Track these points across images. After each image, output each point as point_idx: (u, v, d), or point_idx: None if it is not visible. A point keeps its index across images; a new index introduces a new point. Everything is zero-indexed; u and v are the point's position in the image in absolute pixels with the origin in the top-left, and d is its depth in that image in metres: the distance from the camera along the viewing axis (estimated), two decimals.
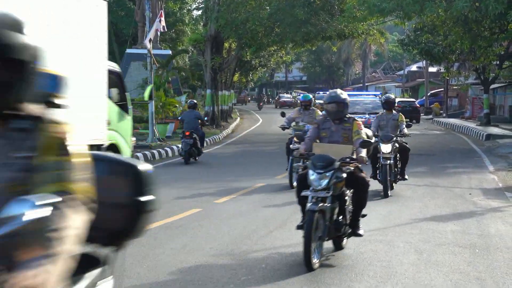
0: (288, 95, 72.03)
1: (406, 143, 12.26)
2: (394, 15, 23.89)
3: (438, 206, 10.53)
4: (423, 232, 8.47)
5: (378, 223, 9.00)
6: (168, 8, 47.06)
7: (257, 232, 8.29)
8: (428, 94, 55.31)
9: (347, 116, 7.28)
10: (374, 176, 11.54)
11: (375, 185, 12.94)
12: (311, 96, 14.05)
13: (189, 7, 51.66)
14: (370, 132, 8.31)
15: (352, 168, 6.93)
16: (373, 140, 8.18)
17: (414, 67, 72.26)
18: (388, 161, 11.38)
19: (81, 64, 9.72)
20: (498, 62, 33.12)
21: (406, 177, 12.22)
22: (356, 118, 7.34)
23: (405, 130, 11.85)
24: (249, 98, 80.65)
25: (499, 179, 14.29)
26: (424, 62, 51.93)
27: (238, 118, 42.90)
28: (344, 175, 6.77)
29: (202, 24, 40.86)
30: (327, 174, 6.58)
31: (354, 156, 6.88)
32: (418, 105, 45.39)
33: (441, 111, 48.28)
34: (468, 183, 13.56)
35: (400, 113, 12.39)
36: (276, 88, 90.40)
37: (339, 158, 6.69)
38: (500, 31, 26.29)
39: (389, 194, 11.27)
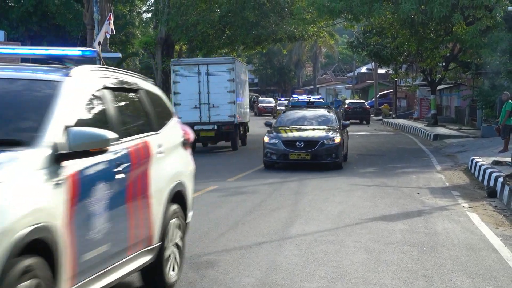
0: (270, 99, 56.88)
1: None
2: (343, 17, 24.20)
3: (387, 206, 10.71)
4: (373, 231, 8.60)
5: (329, 224, 9.10)
6: (117, 10, 46.52)
7: (210, 235, 8.28)
8: (378, 95, 56.26)
9: None
10: None
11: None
12: None
13: (139, 10, 51.22)
14: None
15: None
16: None
17: (363, 69, 73.46)
18: None
19: (246, 92, 25.33)
20: (444, 64, 33.95)
21: None
22: None
23: None
24: None
25: (446, 178, 14.64)
26: (373, 64, 52.78)
27: None
28: None
29: (152, 27, 40.54)
30: None
31: None
32: (368, 106, 46.14)
33: (390, 112, 49.15)
34: (417, 183, 13.83)
35: None
36: None
37: None
38: (445, 33, 26.95)
39: None
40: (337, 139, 15.95)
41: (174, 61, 22.66)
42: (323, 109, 18.33)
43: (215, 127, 21.15)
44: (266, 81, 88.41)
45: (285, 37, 31.29)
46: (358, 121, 42.52)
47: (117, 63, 31.08)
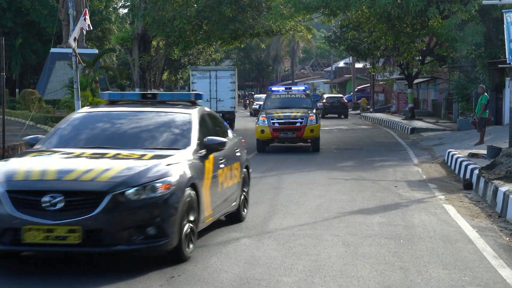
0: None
1: None
2: (320, 12, 24.25)
3: (365, 199, 10.77)
4: (351, 225, 8.64)
5: (307, 218, 9.13)
6: (93, 6, 46.15)
7: None
8: (356, 89, 56.49)
9: None
10: None
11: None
12: None
13: (115, 5, 50.85)
14: None
15: None
16: None
17: (341, 63, 73.68)
18: None
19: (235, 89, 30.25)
20: (420, 58, 34.19)
21: None
22: None
23: None
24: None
25: (423, 171, 14.75)
26: (350, 58, 52.98)
27: None
28: None
29: (129, 22, 40.24)
30: None
31: None
32: (346, 100, 46.32)
33: (368, 106, 49.39)
34: (394, 176, 13.92)
35: None
36: None
37: None
38: (421, 27, 27.14)
39: None
40: (166, 183, 6.42)
41: (192, 67, 32.27)
42: (168, 108, 8.16)
43: (220, 115, 29.47)
44: (244, 76, 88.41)
45: (263, 32, 31.29)
46: (336, 115, 42.70)
47: (94, 59, 30.84)
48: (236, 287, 5.88)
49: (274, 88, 22.58)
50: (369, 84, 52.76)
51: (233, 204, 8.51)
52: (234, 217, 8.75)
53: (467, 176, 12.75)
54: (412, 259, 6.83)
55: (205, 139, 7.56)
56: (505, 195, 9.43)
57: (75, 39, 20.98)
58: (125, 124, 7.80)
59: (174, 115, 7.91)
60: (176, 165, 6.72)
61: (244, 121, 34.85)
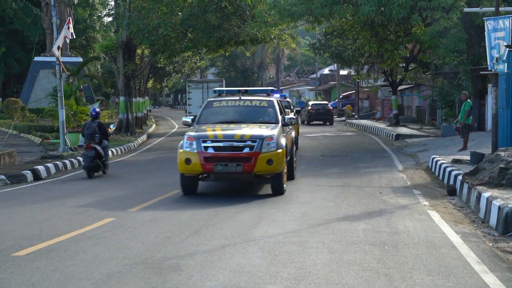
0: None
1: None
2: (304, 20, 24.35)
3: (350, 206, 10.80)
4: (336, 232, 8.66)
5: (292, 225, 9.14)
6: (77, 14, 46.00)
7: (172, 239, 8.23)
8: (340, 96, 56.72)
9: None
10: None
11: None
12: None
13: (100, 14, 50.72)
14: None
15: None
16: None
17: (326, 70, 74.03)
18: None
19: None
20: (404, 65, 34.44)
21: None
22: None
23: None
24: None
25: (407, 178, 14.83)
26: (335, 65, 53.23)
27: (154, 125, 42.54)
28: None
29: (113, 30, 40.17)
30: None
31: None
32: (331, 107, 46.47)
33: (353, 113, 49.59)
34: (379, 182, 13.98)
35: None
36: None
37: None
38: (404, 34, 27.36)
39: None
40: None
41: (188, 80, 41.44)
42: None
43: None
44: (229, 84, 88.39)
45: (247, 40, 31.37)
46: (321, 122, 42.84)
47: (78, 68, 30.72)
48: None
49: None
50: (354, 91, 52.99)
51: None
52: None
53: (451, 182, 12.83)
54: (397, 266, 6.86)
55: None
56: (488, 201, 9.50)
57: (58, 47, 20.94)
58: None
59: None
60: None
61: None
